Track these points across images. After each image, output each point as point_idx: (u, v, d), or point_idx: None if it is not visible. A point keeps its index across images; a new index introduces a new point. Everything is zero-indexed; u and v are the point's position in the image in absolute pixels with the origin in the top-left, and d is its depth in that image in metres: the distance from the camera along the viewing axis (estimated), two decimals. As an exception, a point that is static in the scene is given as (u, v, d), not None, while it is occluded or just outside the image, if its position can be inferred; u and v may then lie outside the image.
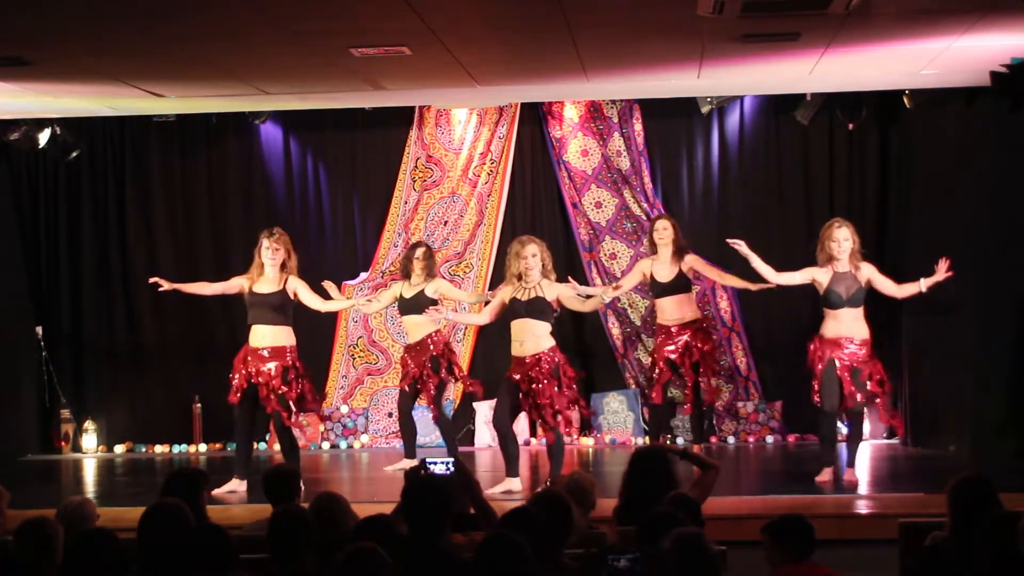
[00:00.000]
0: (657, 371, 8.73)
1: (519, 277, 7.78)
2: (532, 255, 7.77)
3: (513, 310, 7.80)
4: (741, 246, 8.11)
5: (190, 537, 4.21)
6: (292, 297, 8.12)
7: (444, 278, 9.52)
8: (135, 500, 7.54)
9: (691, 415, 9.00)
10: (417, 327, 8.79)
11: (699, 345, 8.66)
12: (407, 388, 8.83)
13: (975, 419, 9.05)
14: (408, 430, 8.94)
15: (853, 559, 4.61)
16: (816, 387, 7.93)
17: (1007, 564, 4.04)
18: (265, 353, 8.04)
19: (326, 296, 8.46)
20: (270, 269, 8.11)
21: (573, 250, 10.50)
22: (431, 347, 8.76)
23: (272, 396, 8.00)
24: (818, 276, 7.96)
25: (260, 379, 8.02)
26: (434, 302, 8.57)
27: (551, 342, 7.82)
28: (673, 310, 8.69)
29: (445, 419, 8.94)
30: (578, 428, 10.30)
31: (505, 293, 7.90)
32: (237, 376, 8.09)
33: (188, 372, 10.65)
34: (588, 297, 8.09)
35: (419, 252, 8.84)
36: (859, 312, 7.92)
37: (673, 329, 8.67)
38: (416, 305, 8.66)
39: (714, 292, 10.18)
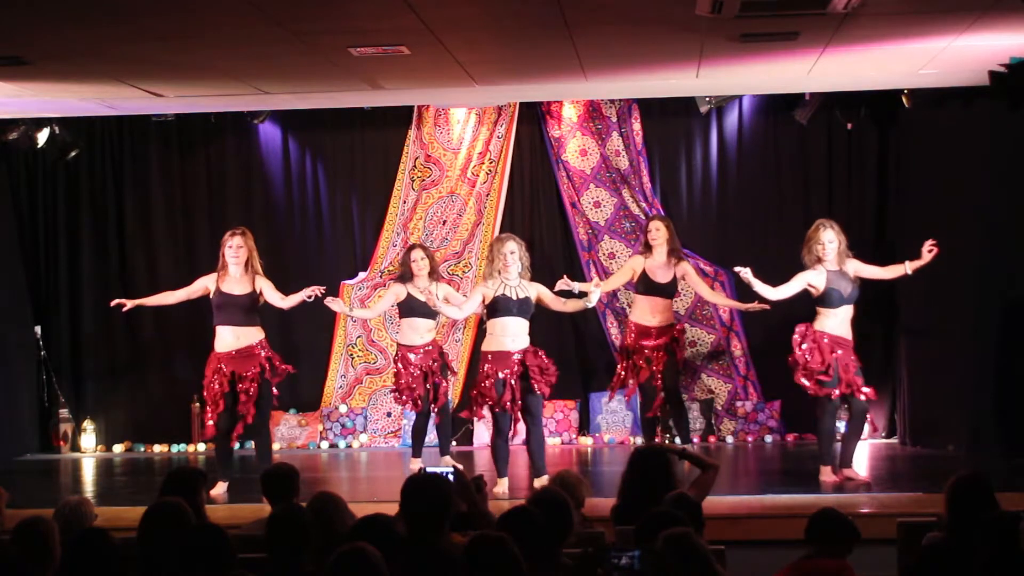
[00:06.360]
0: (631, 367, 8.70)
1: (499, 273, 7.87)
2: (510, 252, 7.88)
3: (504, 308, 7.85)
4: (746, 272, 8.06)
5: (189, 537, 4.21)
6: (259, 296, 8.17)
7: (443, 278, 9.48)
8: (134, 500, 7.55)
9: (674, 416, 8.94)
10: (429, 331, 8.74)
11: (674, 349, 8.68)
12: (419, 401, 8.67)
13: (973, 419, 9.07)
14: (421, 436, 8.92)
15: (851, 558, 4.62)
16: (808, 380, 7.94)
17: (1006, 564, 4.04)
18: (235, 354, 8.06)
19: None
20: (235, 268, 8.13)
21: (572, 250, 10.49)
22: (431, 350, 8.72)
23: (247, 395, 8.00)
24: (812, 279, 7.98)
25: (241, 384, 8.02)
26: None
27: (528, 340, 7.99)
28: (656, 311, 8.66)
29: (447, 420, 8.93)
30: (577, 428, 10.38)
31: (487, 290, 7.94)
32: (215, 386, 8.04)
33: (187, 372, 10.63)
34: (575, 296, 8.13)
35: (417, 254, 8.74)
36: (851, 311, 7.99)
37: (653, 331, 8.65)
38: (427, 307, 8.47)
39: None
